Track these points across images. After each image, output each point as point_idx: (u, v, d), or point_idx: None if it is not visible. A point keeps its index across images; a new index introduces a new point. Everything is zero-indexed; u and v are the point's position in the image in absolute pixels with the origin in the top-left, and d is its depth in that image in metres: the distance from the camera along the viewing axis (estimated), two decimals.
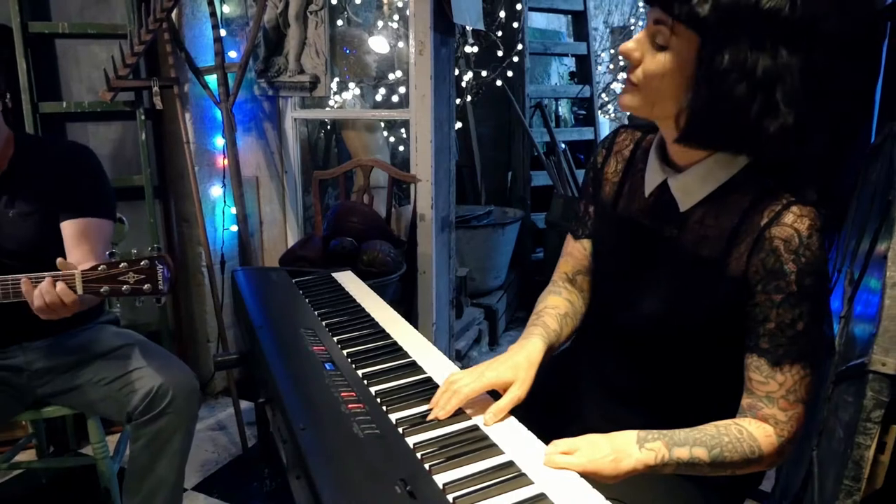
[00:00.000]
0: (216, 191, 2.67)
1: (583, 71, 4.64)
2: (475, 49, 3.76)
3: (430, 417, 0.96)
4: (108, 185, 1.69)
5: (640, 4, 4.92)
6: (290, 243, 2.94)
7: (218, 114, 2.56)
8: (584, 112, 4.90)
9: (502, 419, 0.97)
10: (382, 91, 3.23)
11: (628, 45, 0.93)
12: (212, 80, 2.43)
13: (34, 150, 1.63)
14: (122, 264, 1.30)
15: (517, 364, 1.03)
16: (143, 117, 2.37)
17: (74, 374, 1.62)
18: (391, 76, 3.14)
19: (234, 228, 2.68)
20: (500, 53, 3.84)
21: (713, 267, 0.95)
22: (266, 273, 1.67)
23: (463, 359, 3.01)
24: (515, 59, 3.91)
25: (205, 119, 2.63)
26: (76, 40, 2.34)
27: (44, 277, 1.31)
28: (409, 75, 2.51)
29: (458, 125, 3.48)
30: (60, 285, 1.30)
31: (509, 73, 3.93)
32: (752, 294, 0.92)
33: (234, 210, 2.61)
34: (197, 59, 2.46)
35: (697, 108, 0.88)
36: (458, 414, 0.98)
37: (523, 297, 3.98)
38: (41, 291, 1.30)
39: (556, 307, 1.19)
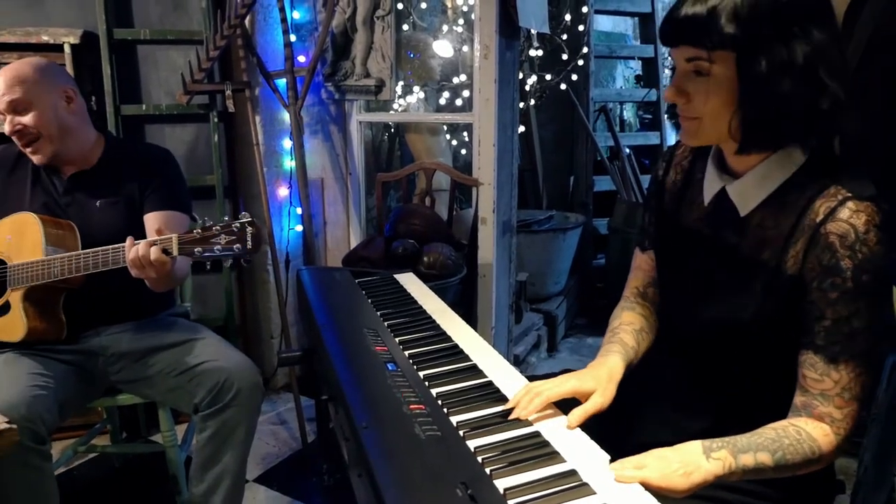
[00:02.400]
0: (283, 191, 2.74)
1: (649, 74, 4.54)
2: (540, 52, 3.74)
3: (511, 416, 0.97)
4: (185, 183, 1.85)
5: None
6: (353, 244, 2.99)
7: (286, 117, 2.64)
8: (649, 116, 4.79)
9: (576, 426, 0.97)
10: (446, 94, 3.25)
11: (669, 91, 0.97)
12: (281, 83, 2.50)
13: (121, 150, 1.80)
14: (215, 227, 1.42)
15: (599, 376, 1.04)
16: (215, 119, 2.46)
17: (146, 363, 1.69)
18: (455, 80, 3.15)
19: (300, 228, 2.75)
20: (564, 57, 3.80)
21: (772, 269, 0.96)
22: (330, 273, 1.71)
23: (521, 364, 2.98)
24: (580, 62, 3.86)
25: (273, 122, 2.70)
26: (156, 46, 2.45)
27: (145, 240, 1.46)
28: (473, 79, 2.51)
29: (521, 129, 3.46)
30: (154, 247, 1.44)
31: (574, 77, 3.88)
32: (809, 291, 0.92)
33: (299, 210, 2.67)
34: (267, 64, 2.53)
35: (752, 117, 0.92)
36: (520, 420, 0.97)
37: (583, 304, 3.93)
38: (137, 248, 1.44)
39: (631, 323, 1.19)
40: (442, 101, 3.26)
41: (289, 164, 2.72)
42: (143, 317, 1.78)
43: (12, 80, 1.59)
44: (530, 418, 0.98)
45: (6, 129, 1.62)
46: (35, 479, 1.43)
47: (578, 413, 0.97)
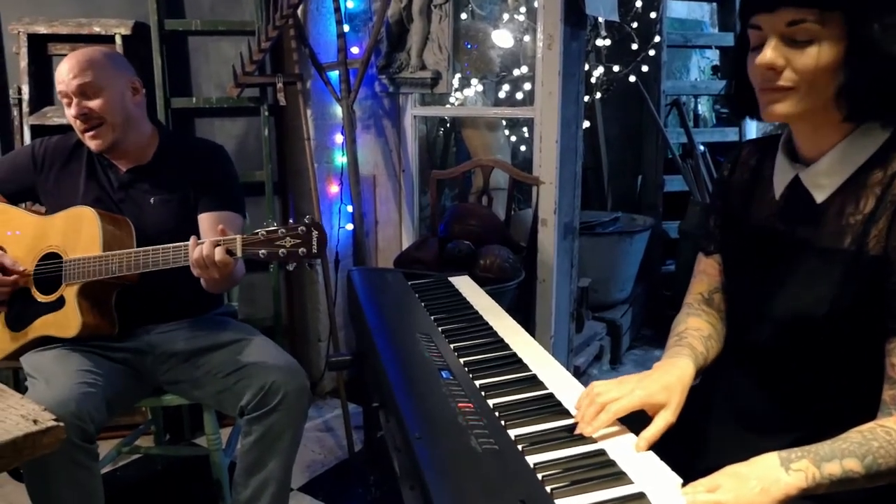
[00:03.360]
0: (334, 188, 2.78)
1: (727, 64, 4.42)
2: (608, 42, 3.68)
3: (576, 431, 0.97)
4: (239, 183, 1.91)
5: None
6: (405, 244, 3.01)
7: (338, 110, 2.68)
8: (727, 111, 4.66)
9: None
10: (506, 88, 3.24)
11: (766, 58, 0.94)
12: (333, 76, 2.54)
13: (175, 146, 1.85)
14: (280, 230, 1.46)
15: (670, 386, 1.02)
16: (266, 113, 2.52)
17: (194, 363, 1.74)
18: (515, 72, 3.14)
19: (350, 227, 2.79)
20: (634, 46, 3.74)
21: (852, 253, 0.94)
22: (382, 274, 1.72)
23: (581, 376, 2.95)
24: (651, 52, 3.79)
25: (325, 116, 2.75)
26: (207, 37, 2.53)
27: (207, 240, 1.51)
28: (535, 71, 2.50)
29: (586, 124, 3.42)
30: (219, 248, 1.49)
31: (644, 68, 3.81)
32: (894, 272, 0.90)
33: (350, 208, 2.71)
34: (320, 56, 2.58)
35: (862, 81, 0.91)
36: (583, 436, 0.96)
37: (650, 313, 3.86)
38: (201, 248, 1.50)
39: (699, 329, 1.17)
40: (501, 95, 3.26)
41: (340, 160, 2.77)
42: (194, 315, 1.83)
43: (84, 63, 1.66)
44: (594, 435, 0.96)
45: (70, 112, 1.68)
46: (83, 478, 1.49)
47: (648, 436, 0.95)
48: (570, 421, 1.00)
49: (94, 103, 1.67)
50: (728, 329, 1.19)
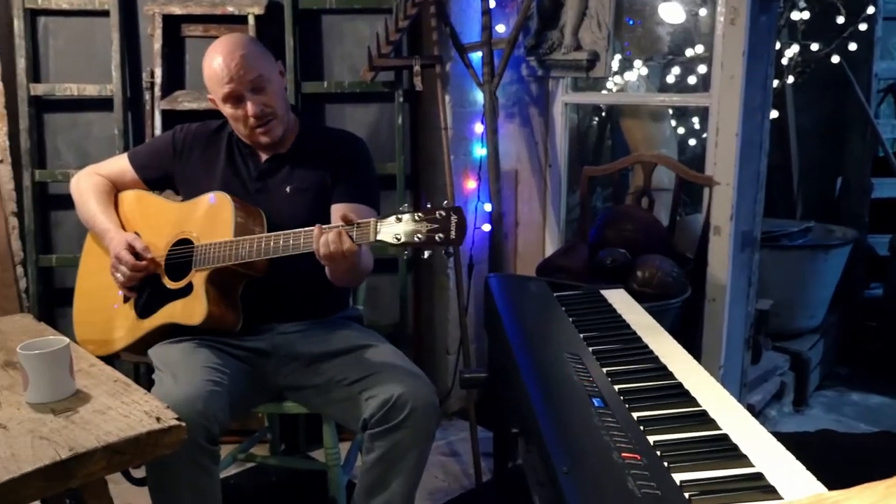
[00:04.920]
0: (470, 184, 2.82)
1: None
2: (805, 15, 3.49)
3: None
4: (376, 178, 2.02)
5: None
6: (549, 249, 3.00)
7: (479, 97, 2.71)
8: None
9: None
10: (675, 71, 3.15)
11: None
12: (476, 58, 2.58)
13: (314, 135, 2.00)
14: (418, 215, 1.52)
15: None
16: (400, 99, 2.60)
17: (317, 368, 1.83)
18: (688, 52, 3.05)
19: (487, 228, 2.81)
20: (840, 20, 3.52)
21: None
22: (524, 283, 1.73)
23: (756, 417, 2.80)
24: (862, 26, 3.55)
25: (464, 103, 2.80)
26: (342, 16, 2.64)
27: (338, 226, 1.60)
28: (712, 51, 2.42)
29: (773, 114, 3.26)
30: (345, 236, 1.57)
31: (851, 46, 3.59)
32: None
33: (488, 207, 2.74)
34: (461, 35, 2.63)
35: None
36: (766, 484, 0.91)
37: (848, 346, 3.65)
38: (327, 238, 1.57)
39: None
40: (669, 80, 3.17)
41: (479, 152, 2.80)
42: (318, 317, 1.93)
43: (248, 56, 1.79)
44: None
45: (252, 110, 1.80)
46: (204, 482, 1.61)
47: None
48: (749, 469, 0.96)
49: (266, 98, 1.81)
50: None
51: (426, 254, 1.54)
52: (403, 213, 1.53)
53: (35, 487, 1.11)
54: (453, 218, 1.50)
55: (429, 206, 1.53)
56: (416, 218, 1.51)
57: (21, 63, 2.46)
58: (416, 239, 1.51)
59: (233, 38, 1.84)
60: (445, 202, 1.53)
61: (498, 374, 1.54)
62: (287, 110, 1.90)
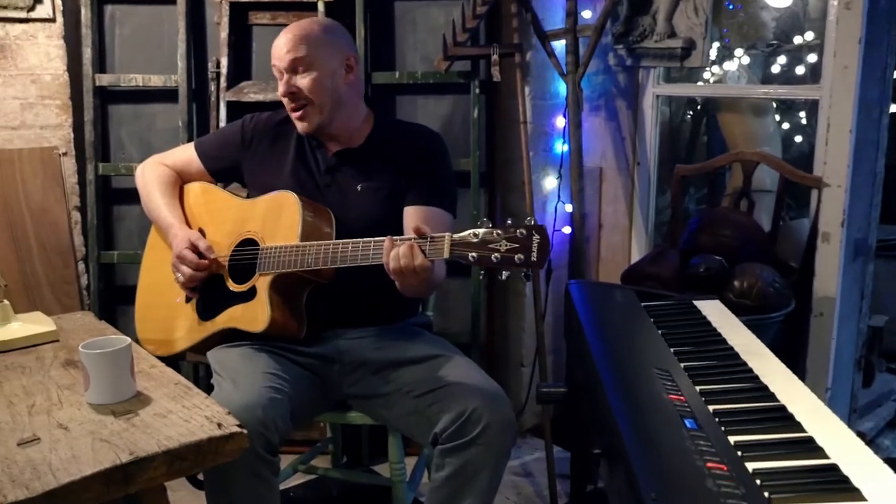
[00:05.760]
0: (550, 183, 2.81)
1: None
2: None
3: None
4: (454, 178, 2.02)
5: None
6: (635, 255, 2.96)
7: (561, 88, 2.70)
8: None
9: None
10: (781, 60, 3.08)
11: None
12: (559, 46, 2.57)
13: (390, 131, 2.01)
14: (496, 232, 1.50)
15: None
16: (477, 91, 2.60)
17: (385, 377, 1.85)
18: (796, 39, 2.97)
19: (567, 230, 2.80)
20: None
21: None
22: (608, 291, 1.72)
23: (868, 446, 2.70)
24: None
25: (545, 94, 2.79)
26: (415, 2, 2.67)
27: (410, 239, 1.60)
28: (824, 38, 2.36)
29: (893, 109, 3.14)
30: (417, 250, 1.57)
31: None
32: None
33: (569, 208, 2.72)
34: (544, 22, 2.62)
35: None
36: None
37: None
38: (398, 251, 1.58)
39: None
40: (774, 70, 3.10)
41: (560, 148, 2.79)
42: (387, 323, 1.95)
43: (299, 37, 1.84)
44: None
45: (280, 89, 1.88)
46: (263, 492, 1.64)
47: None
48: None
49: (303, 82, 1.84)
50: None
51: (504, 275, 1.52)
52: (480, 228, 1.51)
53: (95, 491, 1.14)
54: (535, 238, 1.47)
55: (509, 222, 1.51)
56: (495, 235, 1.50)
57: (87, 53, 2.57)
58: (493, 259, 1.49)
59: (305, 21, 1.89)
60: (528, 219, 1.50)
61: (578, 390, 1.53)
62: (340, 104, 1.89)
